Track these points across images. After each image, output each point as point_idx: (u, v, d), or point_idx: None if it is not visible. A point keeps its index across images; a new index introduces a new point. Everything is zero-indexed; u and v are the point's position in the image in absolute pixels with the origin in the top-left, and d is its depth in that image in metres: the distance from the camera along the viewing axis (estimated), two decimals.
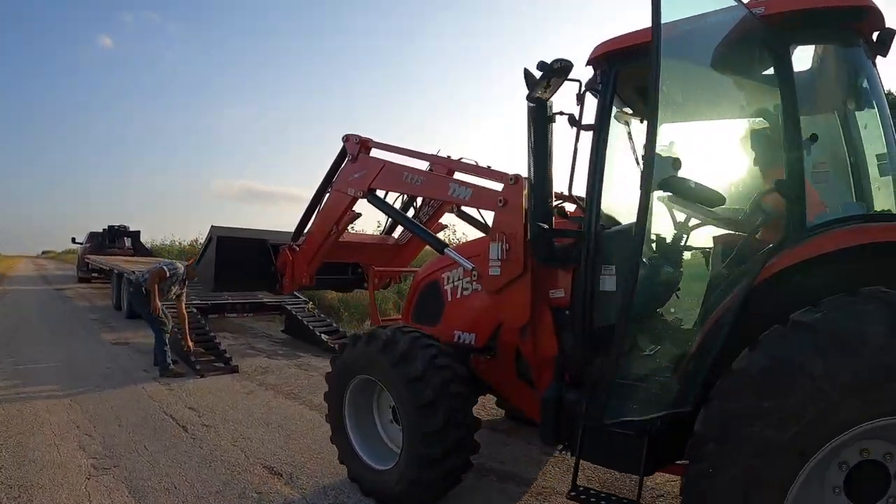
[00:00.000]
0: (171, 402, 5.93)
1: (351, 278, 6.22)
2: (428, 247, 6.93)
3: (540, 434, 3.13)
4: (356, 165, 4.41)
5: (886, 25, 2.53)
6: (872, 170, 2.86)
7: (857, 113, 2.79)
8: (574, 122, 3.00)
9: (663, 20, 2.11)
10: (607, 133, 2.98)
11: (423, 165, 4.27)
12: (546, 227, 2.97)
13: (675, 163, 2.14)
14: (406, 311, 4.41)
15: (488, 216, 4.88)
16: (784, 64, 2.51)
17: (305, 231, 5.05)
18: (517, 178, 3.32)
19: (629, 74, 3.04)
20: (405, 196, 5.12)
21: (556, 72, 2.78)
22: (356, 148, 4.40)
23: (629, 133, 3.67)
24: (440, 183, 3.93)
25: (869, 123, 2.78)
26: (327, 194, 4.76)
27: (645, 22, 2.95)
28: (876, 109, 2.66)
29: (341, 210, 4.60)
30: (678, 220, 3.49)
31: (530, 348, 3.36)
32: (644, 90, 3.41)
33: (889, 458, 2.09)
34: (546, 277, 3.28)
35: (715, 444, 2.12)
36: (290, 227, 5.31)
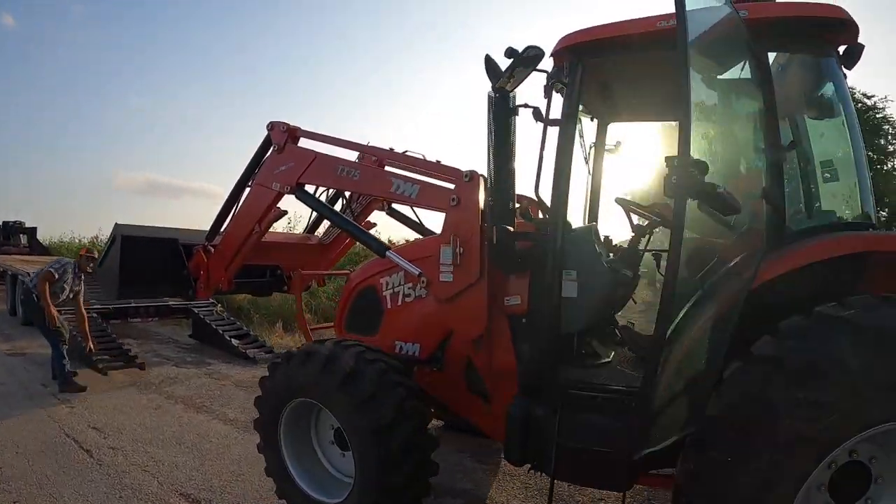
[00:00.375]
0: (73, 423, 5.37)
1: (269, 281, 5.68)
2: (352, 248, 6.58)
3: (505, 453, 2.91)
4: (282, 157, 3.96)
5: (858, 40, 2.58)
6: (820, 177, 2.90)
7: (817, 121, 2.80)
8: (540, 116, 2.78)
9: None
10: (574, 129, 2.81)
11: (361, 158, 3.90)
12: (512, 230, 2.73)
13: (704, 167, 1.97)
14: (338, 318, 4.02)
15: (423, 214, 4.66)
16: (764, 69, 2.49)
17: (222, 230, 4.51)
18: (472, 174, 3.06)
19: (591, 70, 2.88)
20: (330, 191, 4.70)
21: (526, 61, 2.54)
22: (283, 137, 3.95)
23: (579, 131, 3.53)
24: (381, 178, 3.58)
25: (828, 132, 2.80)
26: (248, 189, 4.26)
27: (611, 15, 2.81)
28: (843, 118, 2.68)
29: (264, 207, 4.12)
30: (635, 223, 3.40)
31: (485, 360, 3.11)
32: (606, 86, 3.29)
33: (874, 462, 2.14)
34: (500, 283, 3.05)
35: (738, 432, 2.02)
36: (197, 223, 4.79)
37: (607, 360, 3.12)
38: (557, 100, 2.83)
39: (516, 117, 2.80)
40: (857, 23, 2.48)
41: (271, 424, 3.33)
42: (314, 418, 3.40)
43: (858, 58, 2.62)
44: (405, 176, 3.44)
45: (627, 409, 2.51)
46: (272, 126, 3.99)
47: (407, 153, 3.68)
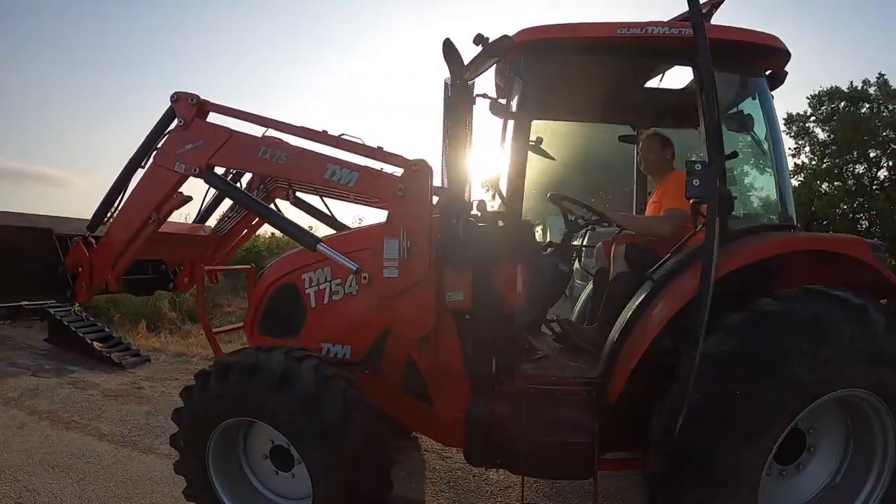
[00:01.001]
0: None
1: (153, 278, 4.97)
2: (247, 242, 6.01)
3: (468, 457, 2.82)
4: (189, 134, 3.44)
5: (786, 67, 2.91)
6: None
7: (745, 134, 3.07)
8: (497, 109, 2.73)
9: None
10: (530, 123, 2.81)
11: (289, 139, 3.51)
12: (476, 223, 2.65)
13: (723, 173, 2.04)
14: (250, 320, 3.59)
15: (340, 207, 4.38)
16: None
17: (107, 218, 3.86)
18: (421, 163, 2.89)
19: (544, 67, 2.89)
20: (231, 172, 4.22)
21: (494, 51, 2.46)
22: (190, 111, 3.44)
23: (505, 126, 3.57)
24: (313, 162, 3.22)
25: (754, 144, 3.10)
26: (142, 169, 3.69)
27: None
28: (767, 132, 2.97)
29: (165, 191, 3.55)
30: (570, 219, 3.47)
31: (430, 361, 2.96)
32: (547, 85, 3.31)
33: (811, 432, 2.56)
34: (442, 278, 2.94)
35: (748, 369, 2.27)
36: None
37: (545, 353, 3.15)
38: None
39: (474, 107, 2.73)
40: (790, 51, 2.77)
41: (198, 459, 2.93)
42: (242, 442, 3.07)
43: (782, 82, 2.94)
44: (343, 160, 3.17)
45: (589, 400, 2.56)
46: (177, 97, 3.45)
47: (343, 136, 3.37)
